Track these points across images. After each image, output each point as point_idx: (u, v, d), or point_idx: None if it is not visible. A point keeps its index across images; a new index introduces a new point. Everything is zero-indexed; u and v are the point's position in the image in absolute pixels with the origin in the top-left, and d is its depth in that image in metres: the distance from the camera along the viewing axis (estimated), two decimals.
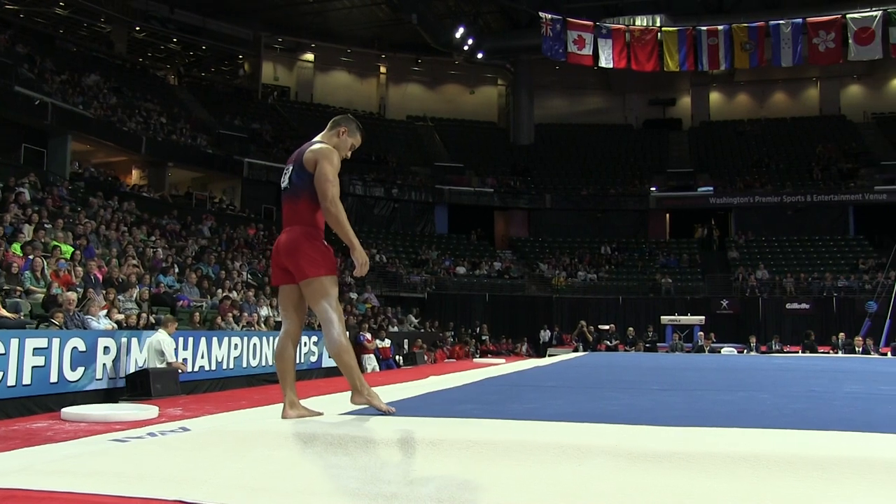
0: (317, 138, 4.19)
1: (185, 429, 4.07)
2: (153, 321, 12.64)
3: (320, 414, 4.01)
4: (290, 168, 4.12)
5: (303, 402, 4.11)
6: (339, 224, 3.90)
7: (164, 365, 10.60)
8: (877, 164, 33.53)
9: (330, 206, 3.89)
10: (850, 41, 23.47)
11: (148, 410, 5.30)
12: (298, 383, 4.20)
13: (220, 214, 26.26)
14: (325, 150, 4.03)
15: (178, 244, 20.10)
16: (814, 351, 20.43)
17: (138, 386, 9.35)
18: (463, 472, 2.82)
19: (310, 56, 40.32)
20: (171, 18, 34.39)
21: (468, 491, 2.64)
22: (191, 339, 12.07)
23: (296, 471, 2.87)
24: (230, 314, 14.83)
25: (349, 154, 4.26)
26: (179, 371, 10.79)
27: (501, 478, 2.74)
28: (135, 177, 28.24)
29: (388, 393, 5.73)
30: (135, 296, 13.65)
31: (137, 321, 12.33)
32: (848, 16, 23.71)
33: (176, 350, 11.23)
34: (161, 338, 10.87)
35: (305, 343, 15.30)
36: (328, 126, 4.24)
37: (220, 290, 16.74)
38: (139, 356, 10.81)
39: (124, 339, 10.67)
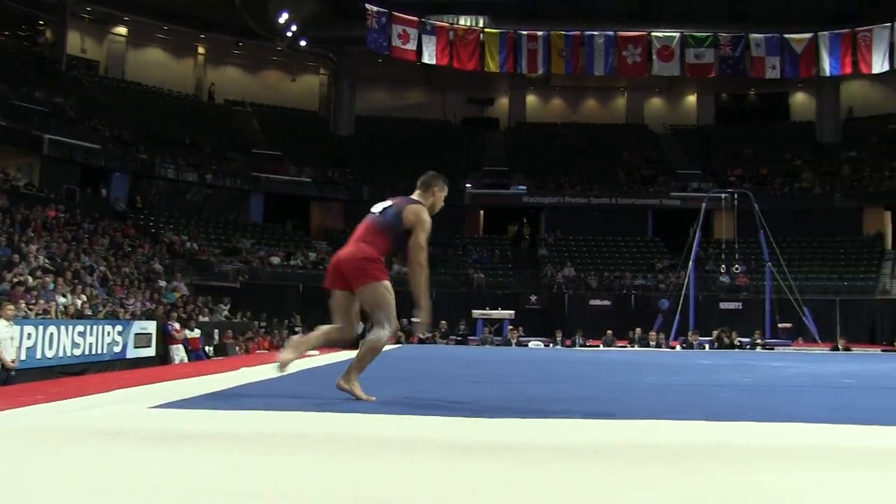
0: (415, 196, 4.86)
1: None
2: None
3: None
4: (392, 205, 4.82)
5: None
6: (419, 280, 4.58)
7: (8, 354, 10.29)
8: (672, 172, 36.19)
9: (418, 268, 4.60)
10: (654, 57, 25.23)
11: None
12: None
13: (14, 193, 24.17)
14: (424, 215, 4.69)
15: None
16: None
17: None
18: (280, 466, 2.75)
19: (122, 29, 37.81)
20: None
21: (285, 484, 2.56)
22: None
23: (100, 468, 2.67)
24: (23, 301, 13.76)
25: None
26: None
27: (322, 472, 2.69)
28: None
29: (198, 385, 5.53)
30: None
31: None
32: (652, 34, 25.47)
33: None
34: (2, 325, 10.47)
35: (109, 333, 14.47)
36: (421, 185, 4.94)
37: (10, 275, 15.48)
38: None
39: None
